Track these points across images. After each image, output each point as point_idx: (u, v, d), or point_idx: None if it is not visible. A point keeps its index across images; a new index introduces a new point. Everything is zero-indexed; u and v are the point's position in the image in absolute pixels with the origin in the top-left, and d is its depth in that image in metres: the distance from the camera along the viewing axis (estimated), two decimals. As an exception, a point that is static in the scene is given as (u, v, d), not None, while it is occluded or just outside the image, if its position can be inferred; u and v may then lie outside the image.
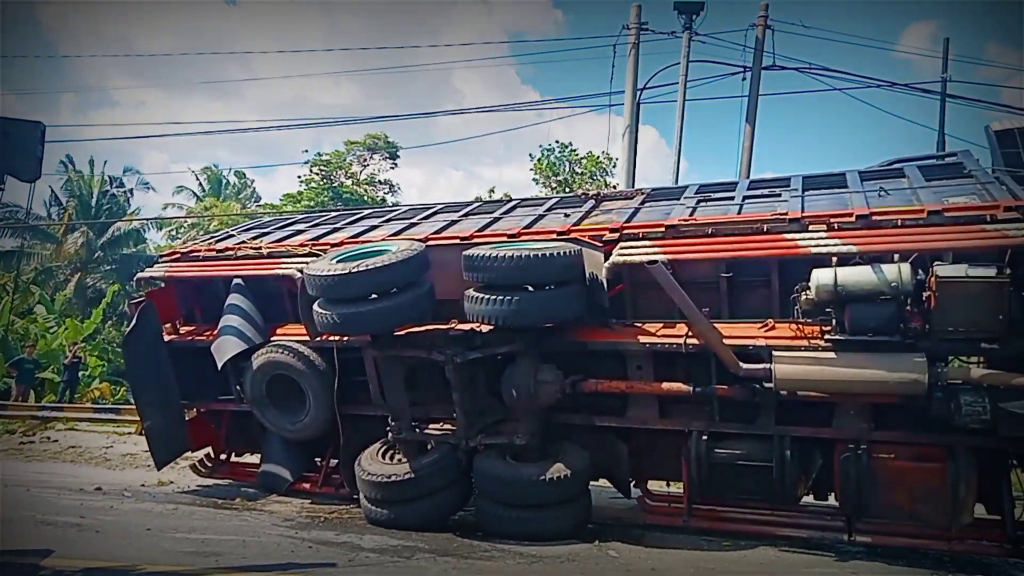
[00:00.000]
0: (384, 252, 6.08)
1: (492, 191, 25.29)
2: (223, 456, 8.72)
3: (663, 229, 6.07)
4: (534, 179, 25.36)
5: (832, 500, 6.00)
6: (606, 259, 6.01)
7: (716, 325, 5.89)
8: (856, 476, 5.51)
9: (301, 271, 6.50)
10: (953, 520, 5.41)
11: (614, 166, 22.54)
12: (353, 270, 5.76)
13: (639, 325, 6.19)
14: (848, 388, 5.30)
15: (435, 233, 7.09)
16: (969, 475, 5.30)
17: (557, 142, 25.27)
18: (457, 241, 6.61)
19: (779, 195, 6.44)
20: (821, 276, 5.22)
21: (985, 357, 5.25)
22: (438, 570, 5.10)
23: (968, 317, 5.05)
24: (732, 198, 6.61)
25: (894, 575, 5.26)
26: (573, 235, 6.38)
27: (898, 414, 5.57)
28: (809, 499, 6.26)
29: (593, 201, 7.30)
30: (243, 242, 8.08)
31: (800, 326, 5.63)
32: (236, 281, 7.46)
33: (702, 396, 5.88)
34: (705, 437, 5.98)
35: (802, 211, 5.84)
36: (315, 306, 6.10)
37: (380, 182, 30.02)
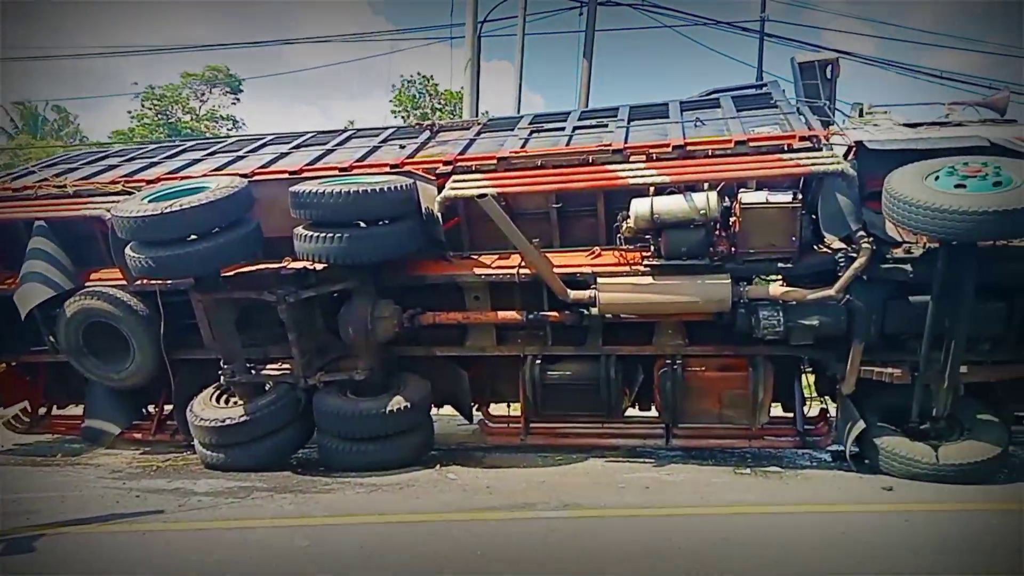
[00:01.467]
0: (202, 189, 5.62)
1: (352, 123, 24.15)
2: (42, 410, 8.01)
3: (495, 161, 6.03)
4: (393, 111, 24.45)
5: (654, 411, 6.46)
6: (439, 192, 5.90)
7: (547, 254, 6.04)
8: (672, 387, 5.95)
9: (110, 211, 5.90)
10: (754, 420, 6.00)
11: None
12: (166, 210, 5.29)
13: (475, 257, 6.20)
14: (664, 308, 5.64)
15: (262, 167, 6.64)
16: (767, 380, 5.87)
17: (418, 74, 24.39)
18: (285, 176, 6.23)
19: (606, 126, 6.56)
20: (639, 206, 5.43)
21: (781, 275, 5.72)
22: (275, 507, 5.02)
23: (766, 240, 5.47)
24: (563, 129, 6.66)
25: (703, 472, 5.79)
26: (407, 168, 6.20)
27: (709, 330, 6.03)
28: (634, 411, 6.72)
29: (429, 132, 7.10)
30: (45, 179, 7.19)
31: (622, 253, 5.88)
32: (38, 223, 6.66)
33: (535, 323, 6.05)
34: (539, 361, 6.19)
35: (625, 142, 6.00)
36: (127, 249, 5.58)
37: (223, 118, 27.80)
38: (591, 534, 4.30)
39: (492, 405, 7.27)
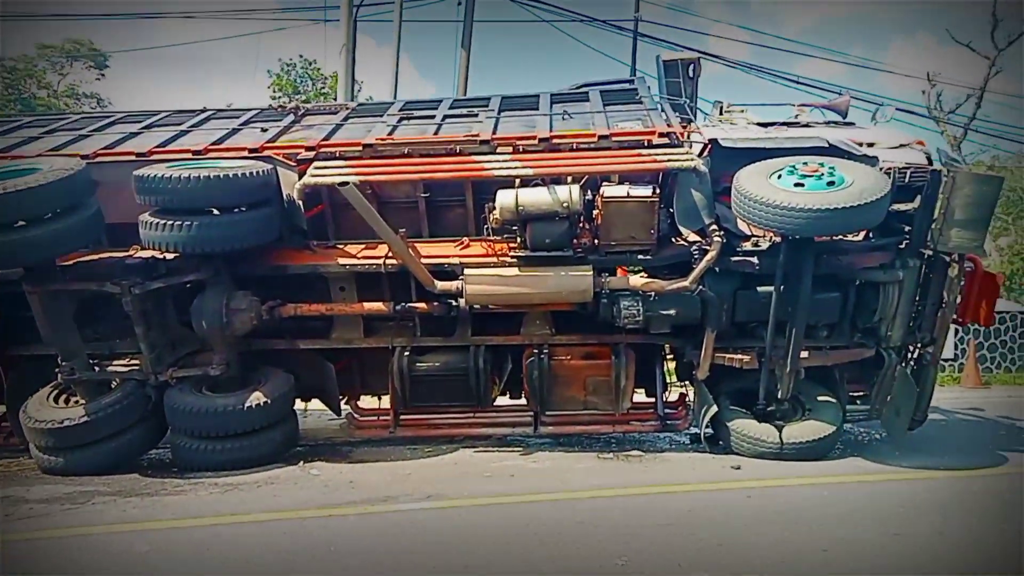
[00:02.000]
0: (34, 171, 5.16)
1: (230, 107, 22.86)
2: None
3: (360, 148, 5.91)
4: (273, 97, 23.40)
5: (524, 399, 6.58)
6: (300, 179, 5.72)
7: (416, 244, 6.00)
8: (539, 376, 6.08)
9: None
10: (617, 406, 6.24)
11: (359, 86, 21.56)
12: (-17, 192, 4.82)
13: (340, 247, 6.07)
14: (529, 299, 5.74)
15: (106, 148, 6.19)
16: (628, 368, 6.11)
17: (301, 56, 23.42)
18: (132, 158, 5.84)
19: (476, 116, 6.58)
20: (504, 197, 5.49)
21: (642, 267, 5.95)
22: (117, 512, 4.71)
23: (627, 232, 5.67)
24: (433, 117, 6.62)
25: (568, 458, 5.96)
26: (267, 153, 5.96)
27: (574, 319, 6.20)
28: (505, 400, 6.82)
29: (293, 116, 6.86)
30: None
31: (491, 243, 5.93)
32: None
33: (403, 314, 6.00)
34: (407, 352, 6.15)
35: (493, 133, 6.04)
36: None
37: (85, 95, 25.63)
38: (451, 524, 4.33)
39: (363, 398, 7.18)
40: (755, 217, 5.12)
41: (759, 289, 5.80)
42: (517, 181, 5.58)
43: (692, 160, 5.36)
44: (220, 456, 5.70)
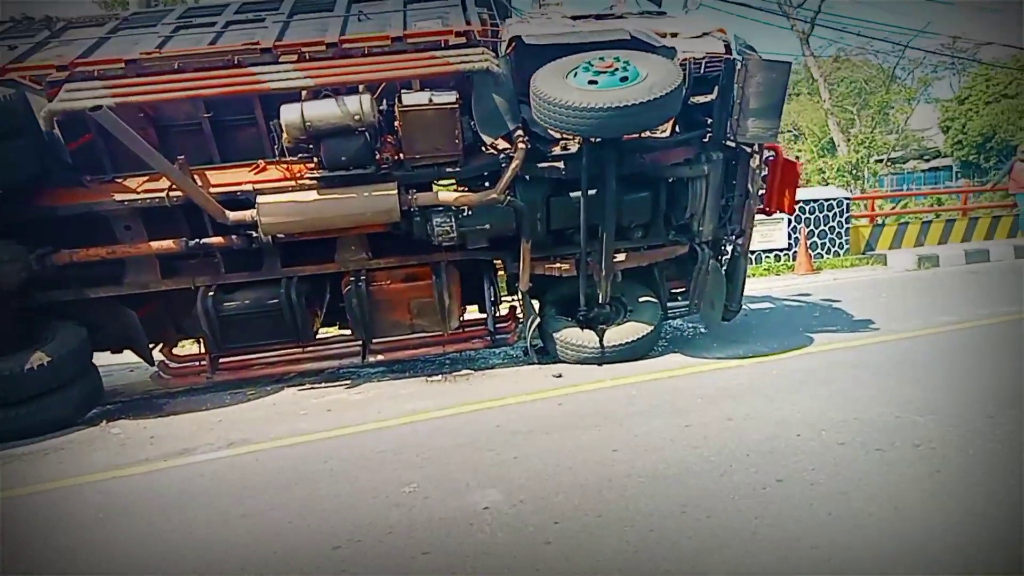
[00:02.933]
0: None
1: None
2: None
3: (123, 65, 5.29)
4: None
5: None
6: (50, 106, 5.08)
7: (206, 172, 5.56)
8: (359, 303, 5.91)
9: None
10: (444, 326, 6.20)
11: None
12: None
13: (119, 181, 5.52)
14: (331, 223, 5.49)
15: None
16: (452, 286, 6.04)
17: None
18: None
19: (263, 20, 6.03)
20: (288, 113, 5.11)
21: (453, 179, 5.80)
22: None
23: (431, 143, 5.46)
24: (214, 24, 6.01)
25: (395, 385, 5.93)
26: (10, 76, 5.23)
27: (391, 241, 6.01)
28: (335, 331, 6.65)
29: (47, 30, 6.04)
30: None
31: (288, 166, 5.56)
32: None
33: (195, 250, 5.61)
34: (211, 292, 5.80)
35: (278, 40, 5.56)
36: None
37: None
38: (246, 470, 4.20)
39: (182, 344, 6.79)
40: (551, 120, 5.03)
41: (571, 195, 5.80)
42: (303, 94, 5.20)
43: (484, 61, 5.15)
44: (13, 424, 5.25)
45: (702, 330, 7.19)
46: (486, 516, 3.26)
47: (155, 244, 5.56)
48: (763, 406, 4.58)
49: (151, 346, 6.42)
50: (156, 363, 6.36)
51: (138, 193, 5.42)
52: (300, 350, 6.41)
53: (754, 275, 11.08)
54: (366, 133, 5.30)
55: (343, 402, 5.54)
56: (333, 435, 4.69)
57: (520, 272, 5.93)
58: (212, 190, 5.46)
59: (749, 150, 5.96)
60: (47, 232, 5.50)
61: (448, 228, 5.67)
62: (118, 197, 5.42)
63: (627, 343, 5.98)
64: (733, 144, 5.90)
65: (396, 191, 5.44)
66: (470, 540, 3.04)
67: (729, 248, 6.60)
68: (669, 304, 6.68)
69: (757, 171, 6.02)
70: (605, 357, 5.96)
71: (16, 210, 5.32)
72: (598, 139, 5.29)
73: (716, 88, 5.61)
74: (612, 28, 5.84)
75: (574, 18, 6.48)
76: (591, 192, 5.59)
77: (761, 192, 6.31)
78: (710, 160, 5.88)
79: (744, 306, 7.21)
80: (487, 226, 5.76)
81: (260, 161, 5.65)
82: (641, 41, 5.64)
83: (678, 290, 6.71)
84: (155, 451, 4.69)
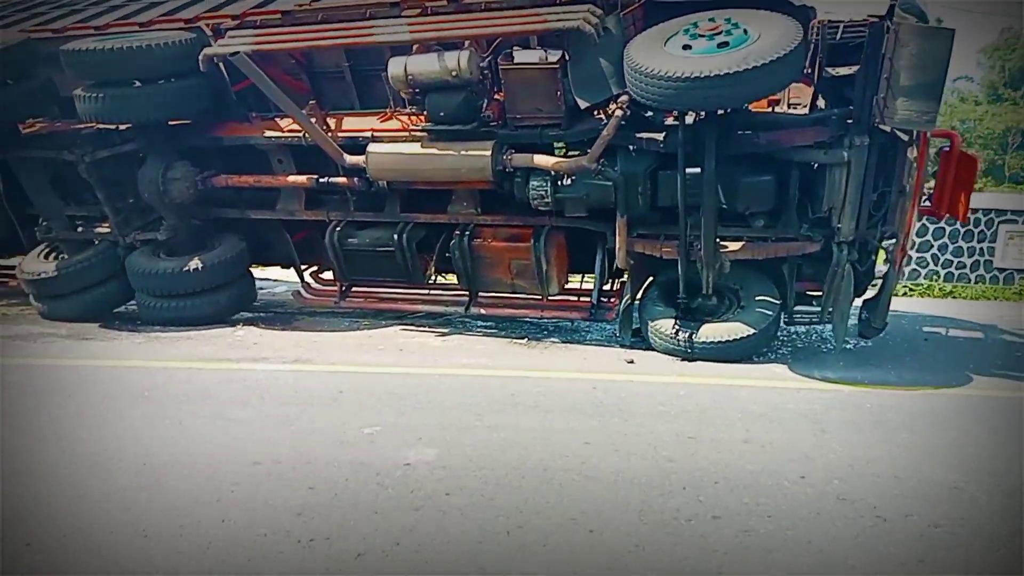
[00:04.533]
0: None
1: None
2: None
3: (279, 16, 6.23)
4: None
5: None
6: (217, 50, 6.19)
7: (344, 117, 6.37)
8: (461, 256, 6.34)
9: None
10: (544, 291, 6.39)
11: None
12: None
13: (276, 119, 6.55)
14: (429, 175, 5.94)
15: (79, 23, 7.03)
16: (549, 251, 6.18)
17: None
18: (75, 32, 6.63)
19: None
20: (394, 66, 5.61)
21: (557, 142, 5.87)
22: (54, 349, 5.89)
23: (532, 104, 5.61)
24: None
25: (473, 339, 6.35)
26: (199, 24, 6.47)
27: (502, 199, 6.30)
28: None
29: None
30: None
31: (410, 116, 6.12)
32: None
33: (323, 187, 6.46)
34: (338, 227, 6.65)
35: (408, -7, 6.07)
36: None
37: None
38: (271, 383, 4.91)
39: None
40: (635, 87, 4.86)
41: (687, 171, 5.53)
42: (414, 48, 5.66)
43: (575, 19, 5.08)
44: (167, 313, 6.71)
45: (849, 345, 6.40)
46: (398, 472, 3.54)
47: (292, 178, 6.55)
48: (798, 439, 4.11)
49: (304, 267, 7.60)
50: (301, 284, 7.51)
51: (281, 131, 6.40)
52: (416, 291, 7.09)
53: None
54: (468, 89, 5.62)
55: (418, 345, 6.09)
56: (373, 371, 5.26)
57: (616, 248, 5.86)
58: (340, 134, 6.25)
59: (906, 137, 5.12)
60: (218, 159, 6.77)
61: (544, 193, 5.80)
62: (268, 134, 6.46)
63: (720, 342, 5.61)
64: (887, 128, 5.11)
65: (491, 150, 5.70)
66: (374, 491, 3.32)
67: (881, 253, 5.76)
68: (799, 308, 6.09)
69: (913, 164, 5.14)
70: (693, 353, 5.67)
71: (191, 138, 6.63)
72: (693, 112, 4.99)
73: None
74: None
75: None
76: (696, 170, 5.30)
77: (929, 190, 5.38)
78: (852, 145, 5.16)
79: (930, 329, 6.28)
80: (584, 195, 5.77)
81: (387, 110, 6.30)
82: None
83: (815, 293, 6.07)
84: (243, 354, 5.70)
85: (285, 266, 7.96)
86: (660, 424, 4.28)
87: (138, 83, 6.08)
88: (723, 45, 4.67)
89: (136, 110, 6.09)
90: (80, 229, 7.25)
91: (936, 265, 10.50)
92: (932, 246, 10.44)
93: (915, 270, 10.46)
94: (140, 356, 5.67)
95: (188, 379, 5.04)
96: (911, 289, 10.25)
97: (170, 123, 6.52)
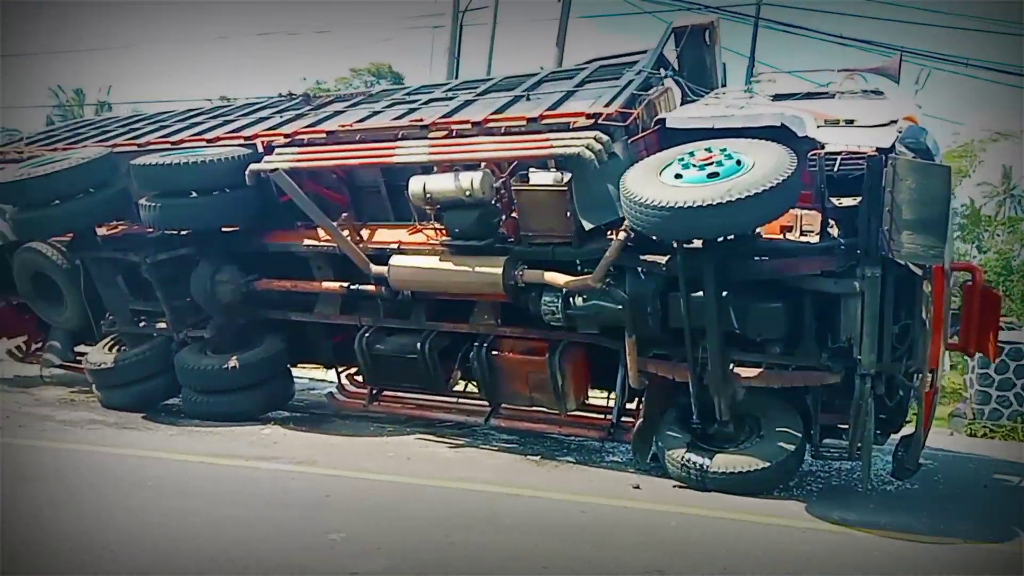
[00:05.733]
0: (64, 159, 7.23)
1: None
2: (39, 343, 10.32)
3: (324, 135, 7.04)
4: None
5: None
6: (270, 166, 7.03)
7: (378, 227, 7.01)
8: (480, 367, 6.68)
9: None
10: (560, 407, 6.60)
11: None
12: (20, 176, 6.95)
13: (315, 229, 7.27)
14: (445, 287, 6.40)
15: (160, 138, 8.19)
16: (565, 367, 6.41)
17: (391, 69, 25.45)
18: (135, 148, 7.71)
19: (453, 98, 7.29)
20: (414, 184, 6.19)
21: (571, 260, 6.20)
22: (94, 436, 6.60)
23: (545, 223, 6.02)
24: (416, 101, 7.49)
25: (492, 453, 6.56)
26: (256, 140, 7.39)
27: (523, 313, 6.64)
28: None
29: (307, 103, 8.23)
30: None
31: (434, 230, 6.67)
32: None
33: (355, 294, 7.04)
34: (367, 332, 7.18)
35: (446, 116, 6.74)
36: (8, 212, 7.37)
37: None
38: (272, 483, 5.30)
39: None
40: (627, 212, 5.18)
41: (692, 295, 5.72)
42: (435, 168, 6.25)
43: (575, 147, 5.51)
44: (206, 408, 7.36)
45: (887, 484, 6.18)
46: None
47: (326, 284, 7.17)
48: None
49: (343, 369, 8.15)
50: (336, 386, 8.04)
51: (317, 240, 7.09)
52: (442, 399, 7.45)
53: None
54: (482, 207, 6.12)
55: (428, 455, 6.39)
56: (369, 477, 5.57)
57: (628, 367, 6.04)
58: (372, 245, 6.86)
59: (919, 271, 5.13)
60: (265, 263, 7.52)
61: (554, 308, 6.10)
62: (307, 242, 7.17)
63: (733, 474, 5.57)
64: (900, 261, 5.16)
65: (502, 266, 6.11)
66: None
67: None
68: (828, 442, 6.00)
69: (929, 296, 5.12)
70: (704, 483, 5.67)
71: (241, 244, 7.43)
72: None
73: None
74: (763, 113, 5.66)
75: (776, 96, 6.38)
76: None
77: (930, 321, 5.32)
78: (864, 276, 5.22)
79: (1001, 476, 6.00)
80: (594, 313, 6.03)
81: (418, 223, 6.89)
82: (789, 129, 5.40)
83: (845, 426, 5.97)
84: (257, 452, 6.16)
85: (328, 366, 8.55)
86: (632, 554, 4.32)
87: (194, 193, 6.98)
88: (713, 176, 4.94)
89: (190, 218, 6.97)
90: (142, 324, 8.14)
91: (1022, 405, 9.88)
92: (1015, 384, 9.88)
93: (996, 410, 9.89)
94: (165, 448, 6.25)
95: (195, 473, 5.53)
96: (992, 430, 9.68)
97: (223, 230, 7.37)
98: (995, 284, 16.45)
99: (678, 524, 4.91)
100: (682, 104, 6.91)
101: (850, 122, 5.44)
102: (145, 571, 3.68)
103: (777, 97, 6.40)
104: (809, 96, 6.37)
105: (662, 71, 7.11)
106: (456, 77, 13.11)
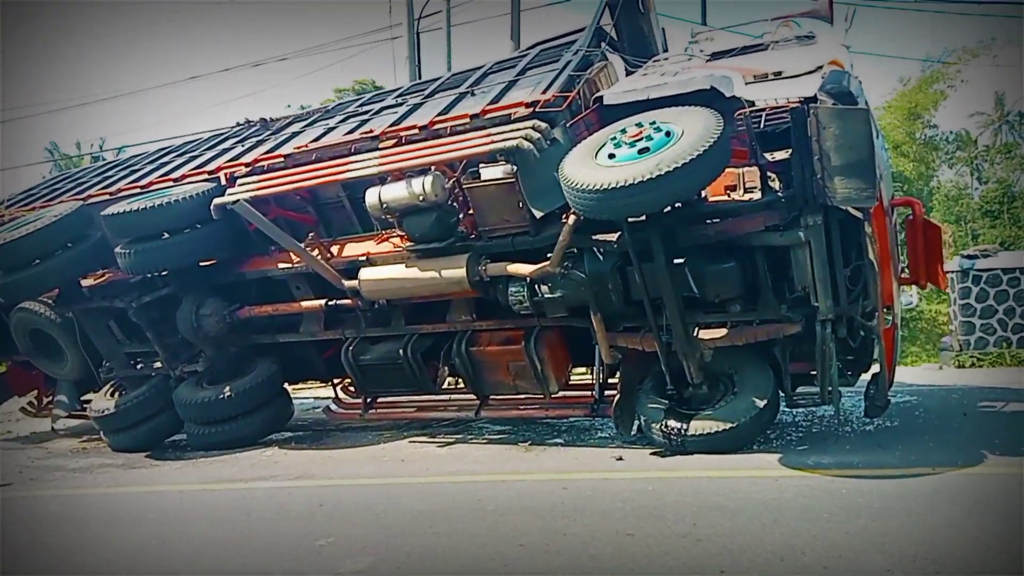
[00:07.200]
0: (38, 219, 7.62)
1: None
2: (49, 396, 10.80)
3: (282, 159, 7.37)
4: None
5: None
6: (233, 197, 7.36)
7: (346, 242, 7.33)
8: (462, 362, 7.00)
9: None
10: (544, 390, 6.89)
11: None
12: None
13: (288, 252, 7.60)
14: (415, 292, 6.68)
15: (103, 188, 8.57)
16: (542, 351, 6.70)
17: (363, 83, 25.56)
18: (106, 197, 8.07)
19: (403, 104, 7.58)
20: (369, 195, 6.50)
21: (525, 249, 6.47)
22: (104, 478, 6.98)
23: (499, 216, 6.31)
24: (367, 112, 7.79)
25: (481, 446, 6.87)
26: (220, 173, 7.73)
27: (497, 305, 6.94)
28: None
29: (265, 128, 8.56)
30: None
31: (400, 238, 6.97)
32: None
33: (335, 309, 7.37)
34: (351, 345, 7.51)
35: (395, 124, 7.03)
36: None
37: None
38: (268, 500, 5.64)
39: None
40: (568, 197, 5.44)
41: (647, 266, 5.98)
42: (388, 177, 6.55)
43: (512, 140, 5.78)
44: (210, 438, 7.74)
45: (847, 429, 6.42)
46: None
47: (305, 303, 7.51)
48: (742, 530, 4.28)
49: (337, 382, 8.51)
50: (332, 399, 8.40)
51: (289, 263, 7.43)
52: (434, 399, 7.78)
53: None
54: (438, 209, 6.41)
55: (421, 455, 6.70)
56: (361, 483, 5.89)
57: (599, 343, 6.32)
58: (342, 258, 7.18)
59: (859, 214, 5.36)
60: (247, 292, 7.88)
61: (521, 297, 6.39)
62: (281, 265, 7.51)
63: (709, 434, 5.82)
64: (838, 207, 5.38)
65: (465, 263, 6.40)
66: None
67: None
68: (801, 390, 6.25)
69: (871, 237, 5.35)
70: (685, 447, 5.94)
71: (220, 275, 7.79)
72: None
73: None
74: (691, 79, 5.89)
75: (714, 55, 6.61)
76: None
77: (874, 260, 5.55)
78: (807, 226, 5.46)
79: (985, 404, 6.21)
80: (559, 296, 6.32)
81: (383, 232, 7.20)
82: (719, 93, 5.63)
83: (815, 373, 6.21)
84: (257, 473, 6.51)
85: (324, 382, 8.91)
86: (605, 522, 4.60)
87: (166, 234, 7.34)
88: (643, 151, 5.18)
89: (165, 259, 7.32)
90: (139, 366, 8.54)
91: (1006, 331, 10.02)
92: (997, 311, 10.01)
93: (982, 338, 10.04)
94: (168, 481, 6.63)
95: (194, 501, 5.89)
96: (979, 359, 9.84)
97: (201, 264, 7.74)
98: (998, 213, 16.54)
99: (654, 489, 5.18)
100: (626, 76, 7.15)
101: (778, 74, 5.66)
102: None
103: (714, 56, 6.63)
104: (745, 51, 6.59)
105: (602, 46, 7.36)
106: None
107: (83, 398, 9.62)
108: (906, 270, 6.01)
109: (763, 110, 5.28)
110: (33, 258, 7.53)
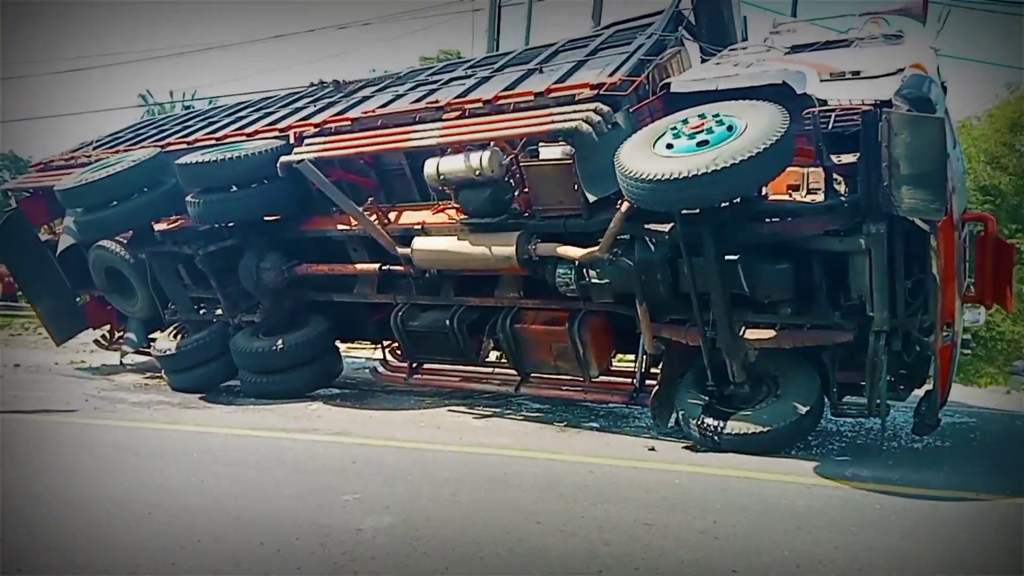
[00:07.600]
0: (118, 163, 7.97)
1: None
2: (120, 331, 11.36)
3: (350, 123, 7.51)
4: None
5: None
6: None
7: (404, 210, 7.46)
8: (504, 339, 7.07)
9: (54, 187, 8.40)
10: (584, 374, 6.92)
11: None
12: (79, 183, 7.73)
13: (346, 215, 7.75)
14: (464, 264, 6.76)
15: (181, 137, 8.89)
16: (585, 335, 6.71)
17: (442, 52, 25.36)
18: (184, 146, 8.37)
19: (472, 76, 7.62)
20: (428, 165, 6.59)
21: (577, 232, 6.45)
22: (159, 414, 7.35)
23: (554, 196, 6.31)
24: (437, 82, 7.85)
25: (516, 422, 6.95)
26: (289, 131, 7.93)
27: (543, 284, 6.97)
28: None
29: (338, 90, 8.72)
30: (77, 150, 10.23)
31: (456, 210, 7.06)
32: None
33: (388, 274, 7.53)
34: (401, 310, 7.67)
35: (461, 96, 7.08)
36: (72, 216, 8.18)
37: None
38: (304, 451, 5.85)
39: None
40: (622, 185, 5.40)
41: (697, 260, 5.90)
42: (448, 149, 6.62)
43: (572, 121, 5.75)
44: (260, 387, 8.05)
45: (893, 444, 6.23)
46: (345, 535, 4.25)
47: (360, 266, 7.69)
48: (761, 534, 4.26)
49: (386, 344, 8.70)
50: (380, 361, 8.59)
51: (349, 224, 7.60)
52: (478, 370, 7.88)
53: None
54: (494, 185, 6.45)
55: (457, 424, 6.83)
56: (395, 444, 6.03)
57: (643, 334, 6.30)
58: (399, 225, 7.31)
59: (925, 226, 5.16)
60: (306, 249, 8.10)
61: (568, 280, 6.41)
62: (340, 227, 7.69)
63: (745, 434, 5.78)
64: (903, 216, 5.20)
65: (515, 241, 6.44)
66: (310, 551, 4.08)
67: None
68: (848, 400, 6.11)
69: (936, 251, 5.16)
70: (720, 444, 5.89)
71: (283, 231, 8.03)
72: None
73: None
74: (765, 72, 5.75)
75: (793, 48, 6.46)
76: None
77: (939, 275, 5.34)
78: (869, 233, 5.29)
79: None
80: (606, 282, 6.30)
81: (440, 203, 7.29)
82: (791, 88, 5.49)
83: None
84: (299, 425, 6.74)
85: (373, 343, 9.12)
86: (626, 510, 4.63)
87: (234, 187, 7.60)
88: (703, 144, 5.09)
89: (231, 211, 7.59)
90: (202, 311, 8.91)
91: None
92: None
93: None
94: (217, 423, 6.92)
95: (237, 445, 6.15)
96: None
97: (265, 219, 7.99)
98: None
99: (681, 482, 5.17)
100: (700, 64, 7.03)
101: (856, 74, 5.47)
102: (177, 531, 4.26)
103: (794, 49, 6.45)
104: (827, 46, 6.39)
105: (679, 30, 7.24)
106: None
107: (150, 336, 10.07)
108: (972, 287, 5.78)
109: (833, 110, 5.11)
110: (112, 199, 7.89)
